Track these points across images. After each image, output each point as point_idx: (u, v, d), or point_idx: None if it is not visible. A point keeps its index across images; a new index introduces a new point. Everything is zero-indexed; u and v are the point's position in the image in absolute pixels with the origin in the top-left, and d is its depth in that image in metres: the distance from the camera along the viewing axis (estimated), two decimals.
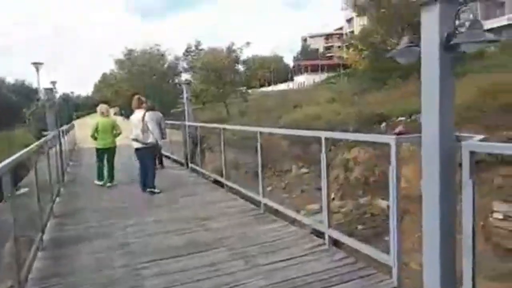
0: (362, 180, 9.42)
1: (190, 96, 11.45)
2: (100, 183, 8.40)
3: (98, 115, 8.65)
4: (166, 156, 12.01)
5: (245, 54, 32.40)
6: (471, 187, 2.29)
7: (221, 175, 7.58)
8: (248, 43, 29.71)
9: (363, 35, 23.19)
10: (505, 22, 44.50)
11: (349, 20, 78.33)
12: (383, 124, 10.30)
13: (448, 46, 2.69)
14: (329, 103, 17.49)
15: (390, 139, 3.18)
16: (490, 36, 2.60)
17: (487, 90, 9.30)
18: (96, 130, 8.31)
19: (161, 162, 11.10)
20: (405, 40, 3.05)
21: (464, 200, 2.34)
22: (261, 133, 5.82)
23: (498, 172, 6.99)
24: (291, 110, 17.51)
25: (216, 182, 8.09)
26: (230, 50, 30.00)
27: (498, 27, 42.75)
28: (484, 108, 8.63)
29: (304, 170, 11.51)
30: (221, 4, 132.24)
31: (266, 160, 13.63)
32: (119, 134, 8.54)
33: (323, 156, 4.10)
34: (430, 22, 2.70)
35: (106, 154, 8.39)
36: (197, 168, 9.33)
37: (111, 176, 8.44)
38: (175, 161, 11.94)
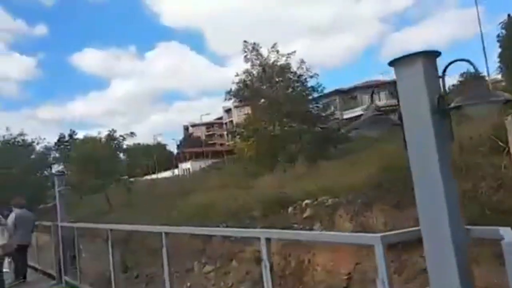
0: (279, 273, 8.40)
1: (65, 190, 9.43)
2: None
3: None
4: (33, 267, 9.43)
5: (129, 141, 30.56)
6: None
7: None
8: (132, 133, 28.32)
9: (248, 123, 24.02)
10: (360, 112, 52.30)
11: (228, 111, 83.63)
12: (290, 208, 9.73)
13: (441, 110, 2.07)
14: (223, 188, 16.70)
15: (375, 239, 2.33)
16: (503, 94, 2.03)
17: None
18: None
19: (22, 275, 8.56)
20: (370, 109, 2.40)
21: None
22: (166, 233, 4.54)
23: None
24: (184, 198, 16.13)
25: None
26: (110, 138, 28.00)
27: (355, 116, 49.92)
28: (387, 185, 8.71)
29: (208, 267, 10.05)
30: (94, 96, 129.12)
31: (154, 258, 11.84)
32: None
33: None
34: (412, 83, 2.09)
35: None
36: (75, 283, 7.22)
37: None
38: (43, 272, 9.41)
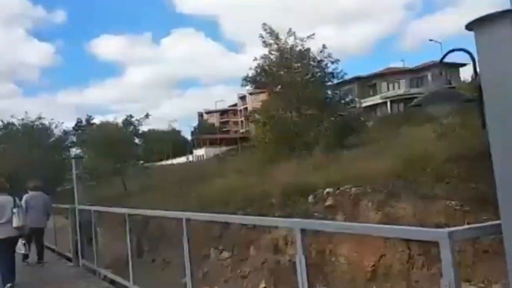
0: None
1: (82, 173, 9.32)
2: None
3: None
4: (50, 248, 9.39)
5: (144, 127, 30.49)
6: None
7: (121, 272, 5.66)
8: (147, 115, 28.06)
9: (264, 110, 23.63)
10: (378, 101, 51.51)
11: (242, 98, 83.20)
12: (310, 197, 9.41)
13: None
14: (240, 175, 16.45)
15: (441, 234, 1.94)
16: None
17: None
18: None
19: (40, 256, 8.53)
20: (440, 81, 2.03)
21: None
22: (188, 219, 4.29)
23: None
24: (201, 184, 15.96)
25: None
26: (127, 122, 27.97)
27: (372, 105, 49.10)
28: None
29: (225, 254, 9.86)
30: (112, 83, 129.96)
31: (171, 244, 11.72)
32: None
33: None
34: (499, 48, 1.72)
35: None
36: (92, 266, 7.09)
37: None
38: (60, 254, 9.36)
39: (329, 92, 22.61)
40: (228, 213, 10.60)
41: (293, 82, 21.30)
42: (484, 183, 7.54)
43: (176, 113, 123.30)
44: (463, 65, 52.19)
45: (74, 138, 33.62)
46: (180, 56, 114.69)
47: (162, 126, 75.77)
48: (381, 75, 54.73)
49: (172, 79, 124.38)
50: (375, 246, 7.67)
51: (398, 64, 58.20)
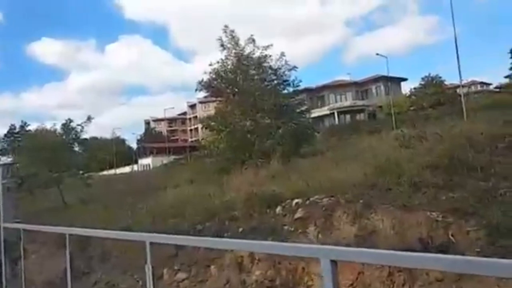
0: (267, 284, 7.27)
1: (11, 182, 7.80)
2: None
3: None
4: None
5: (86, 135, 28.10)
6: None
7: None
8: (89, 118, 25.76)
9: (220, 117, 22.76)
10: (326, 112, 52.69)
11: (192, 106, 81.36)
12: (279, 208, 8.61)
13: None
14: (195, 185, 15.36)
15: None
16: None
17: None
18: None
19: None
20: None
21: None
22: (152, 243, 3.29)
23: None
24: (151, 196, 14.61)
25: None
26: (67, 128, 25.61)
27: (321, 115, 50.07)
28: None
29: (182, 275, 8.71)
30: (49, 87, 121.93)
31: (123, 264, 10.34)
32: None
33: None
34: None
35: None
36: None
37: None
38: None
39: (285, 100, 22.22)
40: (186, 228, 9.52)
41: (250, 89, 20.69)
42: (461, 192, 7.20)
43: (121, 121, 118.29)
44: (405, 79, 55.38)
45: (6, 146, 30.42)
46: (126, 63, 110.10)
47: (106, 134, 71.84)
48: (329, 87, 56.12)
49: (118, 87, 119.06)
50: (352, 263, 7.03)
51: (345, 77, 60.12)
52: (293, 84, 22.19)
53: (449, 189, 7.21)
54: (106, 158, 58.60)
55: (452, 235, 6.28)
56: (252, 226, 8.51)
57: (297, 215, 8.08)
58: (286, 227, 8.00)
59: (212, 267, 8.50)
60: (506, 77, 48.02)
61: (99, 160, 55.83)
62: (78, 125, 25.16)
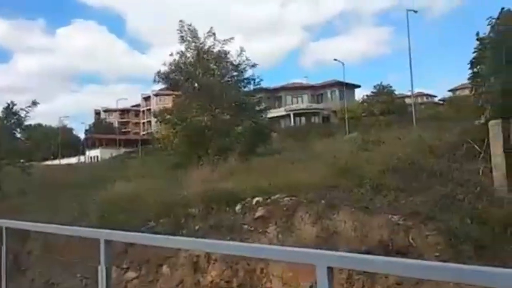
0: (223, 285, 6.95)
1: None
2: None
3: None
4: None
5: (31, 119, 26.06)
6: None
7: None
8: (35, 103, 23.85)
9: (177, 110, 22.05)
10: (283, 113, 53.23)
11: (147, 99, 78.89)
12: (238, 206, 8.32)
13: None
14: (148, 179, 14.67)
15: None
16: None
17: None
18: None
19: None
20: None
21: None
22: (108, 241, 2.88)
23: None
24: (99, 189, 13.73)
25: None
26: (8, 112, 23.61)
27: (277, 116, 50.46)
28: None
29: (131, 273, 8.17)
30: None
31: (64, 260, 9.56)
32: None
33: None
34: None
35: None
36: None
37: None
38: None
39: (245, 97, 21.96)
40: (138, 224, 8.95)
41: (209, 84, 20.19)
42: (421, 197, 7.31)
43: (71, 109, 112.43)
44: (358, 86, 57.26)
45: None
46: (79, 49, 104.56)
47: (52, 122, 67.73)
48: (286, 89, 56.80)
49: (68, 73, 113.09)
50: (308, 266, 6.90)
51: (302, 80, 61.18)
52: (254, 82, 21.97)
53: (409, 193, 7.29)
54: (51, 148, 55.30)
55: (412, 239, 6.31)
56: (210, 224, 8.15)
57: (258, 214, 7.84)
58: (245, 226, 7.73)
59: (165, 266, 8.04)
60: (449, 90, 51.13)
61: (43, 149, 52.51)
62: (22, 109, 23.28)
